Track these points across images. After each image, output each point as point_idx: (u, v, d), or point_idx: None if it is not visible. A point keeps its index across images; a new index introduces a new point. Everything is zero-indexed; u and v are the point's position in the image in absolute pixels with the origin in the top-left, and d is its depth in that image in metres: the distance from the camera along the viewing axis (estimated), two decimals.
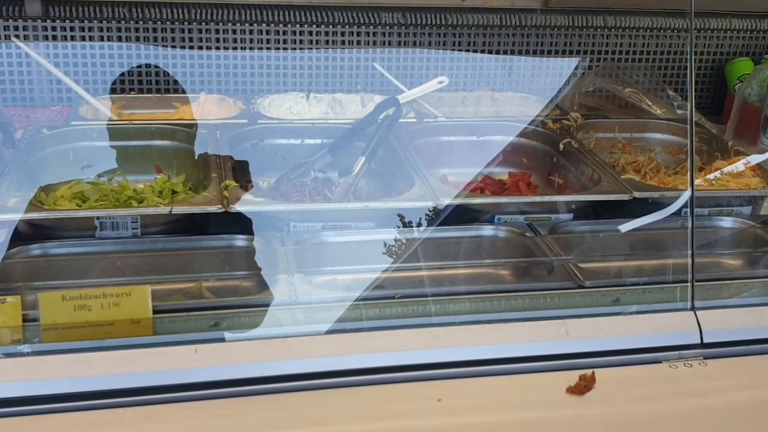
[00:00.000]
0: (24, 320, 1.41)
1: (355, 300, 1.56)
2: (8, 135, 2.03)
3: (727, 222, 1.95)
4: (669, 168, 2.26)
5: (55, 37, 2.32)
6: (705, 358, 1.56)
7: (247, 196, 1.78)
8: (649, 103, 2.50)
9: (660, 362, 1.54)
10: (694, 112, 1.78)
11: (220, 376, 1.38)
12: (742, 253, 1.92)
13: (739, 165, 2.14)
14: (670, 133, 2.36)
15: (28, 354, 1.38)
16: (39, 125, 2.07)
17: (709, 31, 2.71)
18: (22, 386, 1.33)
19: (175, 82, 2.40)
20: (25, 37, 2.30)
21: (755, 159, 2.13)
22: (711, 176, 2.09)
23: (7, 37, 2.29)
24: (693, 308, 1.62)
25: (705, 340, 1.58)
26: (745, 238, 1.93)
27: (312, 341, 1.46)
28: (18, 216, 1.65)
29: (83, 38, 2.33)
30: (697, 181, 2.05)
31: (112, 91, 2.36)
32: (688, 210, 1.74)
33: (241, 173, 1.96)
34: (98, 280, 1.59)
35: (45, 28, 2.30)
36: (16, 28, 2.29)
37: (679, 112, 2.49)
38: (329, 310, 1.53)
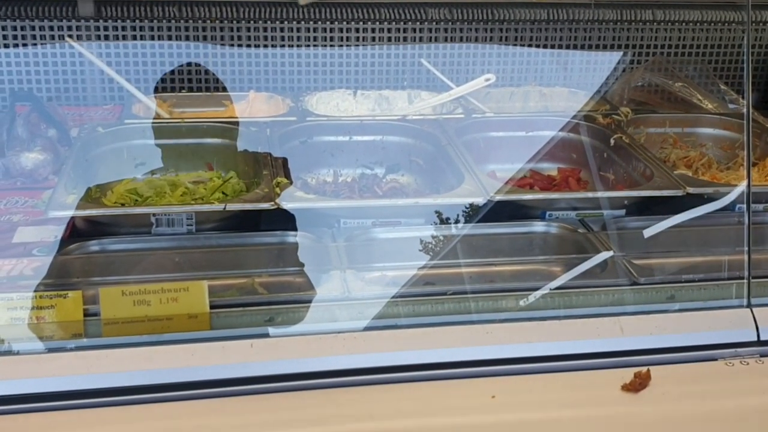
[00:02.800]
0: (85, 315, 1.44)
1: (408, 296, 1.56)
2: (64, 133, 2.07)
3: None
4: (721, 163, 2.23)
5: (107, 37, 2.36)
6: (762, 356, 1.53)
7: (298, 193, 1.80)
8: (700, 98, 2.47)
9: (716, 360, 1.52)
10: (750, 106, 1.74)
11: (276, 370, 1.40)
12: None
13: None
14: (722, 128, 2.32)
15: (89, 348, 1.41)
16: (94, 123, 2.12)
17: (761, 24, 2.66)
18: (84, 379, 1.36)
19: (225, 80, 2.43)
20: (78, 37, 2.34)
21: None
22: (764, 171, 2.06)
23: (61, 38, 2.34)
24: (749, 305, 1.59)
25: (762, 338, 1.55)
26: None
27: (365, 337, 1.47)
28: (76, 213, 1.68)
29: (135, 38, 2.36)
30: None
31: (163, 89, 2.40)
32: (744, 205, 1.71)
33: (290, 170, 1.98)
34: (155, 275, 1.61)
35: (98, 28, 2.35)
36: (69, 29, 2.34)
37: (731, 106, 2.45)
38: (382, 306, 1.54)
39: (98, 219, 1.71)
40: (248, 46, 2.42)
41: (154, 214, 1.70)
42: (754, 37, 2.66)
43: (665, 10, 2.59)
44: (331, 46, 2.47)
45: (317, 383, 1.41)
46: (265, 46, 2.43)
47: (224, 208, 1.72)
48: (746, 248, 1.63)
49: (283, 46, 2.44)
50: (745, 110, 1.72)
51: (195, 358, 1.39)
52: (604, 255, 1.67)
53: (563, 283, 1.59)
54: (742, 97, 2.48)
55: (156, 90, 2.39)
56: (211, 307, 1.47)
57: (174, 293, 1.43)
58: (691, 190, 1.85)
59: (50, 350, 1.41)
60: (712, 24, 2.61)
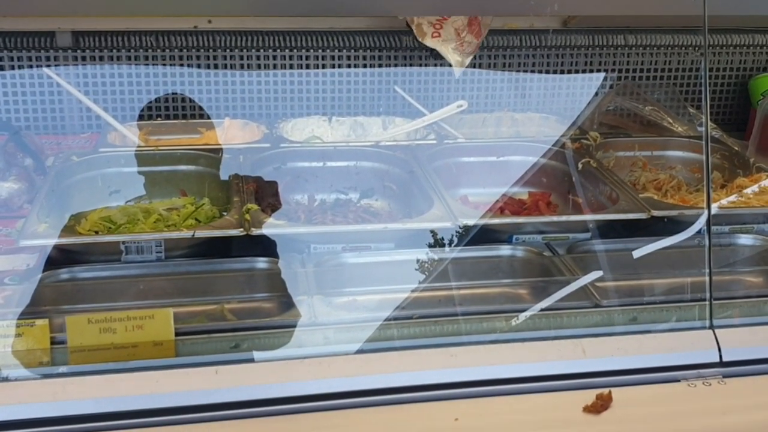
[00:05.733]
0: (52, 343, 1.46)
1: (374, 321, 1.58)
2: (39, 162, 2.09)
3: (747, 239, 1.94)
4: (690, 186, 2.26)
5: (85, 67, 2.38)
6: (724, 376, 1.55)
7: (268, 219, 1.82)
8: (670, 121, 2.50)
9: (678, 381, 1.54)
10: (710, 129, 1.77)
11: (240, 396, 1.41)
12: (763, 271, 1.91)
13: (762, 181, 2.14)
14: (690, 151, 2.36)
15: (55, 375, 1.43)
16: (69, 152, 2.14)
17: (732, 47, 2.70)
18: (50, 407, 1.38)
19: (201, 107, 2.46)
20: (56, 67, 2.37)
21: None
22: (731, 194, 2.09)
23: (39, 67, 2.37)
24: (712, 326, 1.62)
25: (724, 359, 1.57)
26: (765, 256, 1.92)
27: (331, 362, 1.49)
28: (47, 242, 1.70)
29: (112, 67, 2.39)
30: (717, 199, 2.05)
31: (140, 117, 2.42)
32: (705, 227, 1.74)
33: (262, 196, 2.01)
34: (123, 303, 1.63)
35: (75, 58, 2.37)
36: (47, 59, 2.36)
37: (700, 129, 2.49)
38: (348, 331, 1.56)
39: (69, 248, 1.73)
40: (225, 74, 2.45)
41: (123, 242, 1.72)
42: (726, 60, 2.70)
43: (636, 34, 2.63)
44: (307, 73, 2.50)
45: (282, 409, 1.42)
46: (242, 74, 2.46)
47: (193, 235, 1.74)
48: (708, 270, 1.66)
49: (259, 74, 2.48)
50: (704, 131, 1.75)
51: (159, 385, 1.40)
52: (568, 278, 1.69)
53: (527, 306, 1.61)
54: (712, 120, 2.51)
55: (133, 118, 2.41)
56: (178, 334, 1.49)
57: (139, 321, 1.45)
58: (655, 213, 1.88)
59: (16, 378, 1.42)
60: (682, 48, 2.65)
